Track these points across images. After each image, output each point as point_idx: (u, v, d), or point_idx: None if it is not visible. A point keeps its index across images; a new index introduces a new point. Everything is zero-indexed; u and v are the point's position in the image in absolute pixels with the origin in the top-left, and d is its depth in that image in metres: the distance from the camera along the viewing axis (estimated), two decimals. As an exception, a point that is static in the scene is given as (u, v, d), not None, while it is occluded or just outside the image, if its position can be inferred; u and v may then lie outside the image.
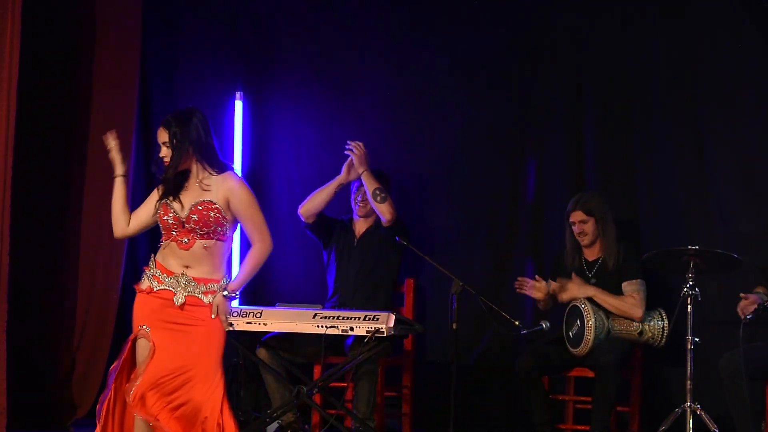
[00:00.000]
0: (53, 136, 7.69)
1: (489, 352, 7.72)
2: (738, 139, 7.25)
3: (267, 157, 8.19)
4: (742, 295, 6.51)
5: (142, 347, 5.04)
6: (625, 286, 6.90)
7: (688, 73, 7.38)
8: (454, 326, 6.51)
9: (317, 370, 7.16)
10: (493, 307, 6.69)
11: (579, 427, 7.09)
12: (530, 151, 7.78)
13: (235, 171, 5.19)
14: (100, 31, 7.72)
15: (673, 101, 7.42)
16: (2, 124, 6.87)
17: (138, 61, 7.84)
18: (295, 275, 8.05)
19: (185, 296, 5.05)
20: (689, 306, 6.42)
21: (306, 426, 7.30)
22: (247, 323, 6.76)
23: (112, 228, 5.26)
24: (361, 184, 7.35)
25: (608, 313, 6.81)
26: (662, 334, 6.79)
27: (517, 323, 6.70)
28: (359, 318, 6.62)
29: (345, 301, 7.28)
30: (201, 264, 5.08)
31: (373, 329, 6.53)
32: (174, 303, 5.04)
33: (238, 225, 5.20)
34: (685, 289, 6.42)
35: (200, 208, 5.04)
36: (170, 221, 5.07)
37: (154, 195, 5.17)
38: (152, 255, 5.15)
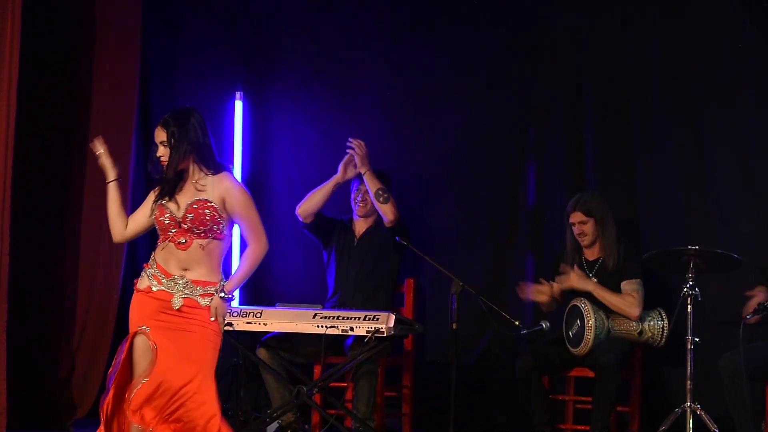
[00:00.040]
0: (53, 136, 7.69)
1: (489, 352, 7.72)
2: (738, 139, 7.25)
3: (267, 157, 8.19)
4: (747, 293, 6.52)
5: (141, 348, 5.02)
6: (624, 285, 6.90)
7: (688, 73, 7.38)
8: (454, 326, 6.51)
9: (317, 370, 7.16)
10: (493, 307, 6.70)
11: (579, 427, 7.09)
12: (530, 151, 7.78)
13: (231, 172, 5.17)
14: (100, 31, 7.72)
15: (673, 101, 7.42)
16: (2, 124, 6.87)
17: (138, 61, 7.84)
18: (295, 275, 8.05)
19: (183, 299, 5.04)
20: (689, 306, 6.43)
21: (306, 426, 7.30)
22: (247, 323, 6.76)
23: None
24: (361, 184, 7.35)
25: (608, 313, 6.81)
26: (662, 334, 6.79)
27: (517, 323, 6.71)
28: (359, 318, 6.62)
29: (345, 301, 7.28)
30: (199, 265, 5.06)
31: (373, 329, 6.53)
32: (171, 306, 5.03)
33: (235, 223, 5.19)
34: (685, 289, 6.42)
35: (195, 207, 5.03)
36: (167, 222, 5.06)
37: (151, 197, 5.15)
38: (153, 253, 5.15)
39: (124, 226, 5.20)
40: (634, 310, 6.83)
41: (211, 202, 5.04)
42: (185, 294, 5.04)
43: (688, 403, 6.39)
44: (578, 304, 6.79)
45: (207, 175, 5.08)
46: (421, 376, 7.54)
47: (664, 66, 7.45)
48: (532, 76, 7.78)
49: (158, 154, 5.09)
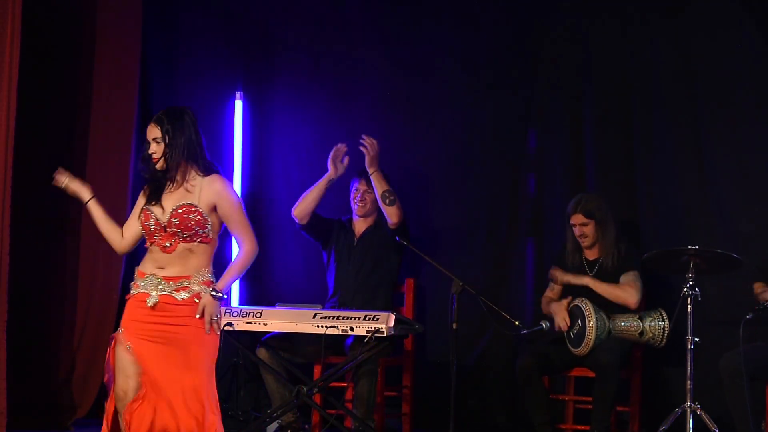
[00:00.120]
0: (53, 136, 7.69)
1: (489, 352, 7.72)
2: (738, 139, 7.25)
3: (267, 157, 8.19)
4: (757, 290, 6.55)
5: (121, 352, 5.00)
6: (622, 277, 6.92)
7: (688, 73, 7.38)
8: (454, 326, 6.51)
9: (317, 370, 7.16)
10: (493, 307, 6.69)
11: (579, 427, 7.09)
12: (530, 151, 7.77)
13: (221, 173, 5.11)
14: (100, 31, 7.72)
15: (673, 101, 7.42)
16: (2, 124, 6.87)
17: (138, 61, 7.83)
18: (295, 275, 8.05)
19: (158, 296, 5.01)
20: (689, 306, 6.43)
21: (306, 426, 7.30)
22: (247, 323, 6.76)
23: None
24: (360, 183, 7.35)
25: (609, 314, 6.81)
26: (663, 335, 6.79)
27: (517, 323, 6.70)
28: (359, 318, 6.62)
29: (345, 301, 7.28)
30: (175, 264, 5.00)
31: (373, 329, 6.53)
32: (146, 304, 4.98)
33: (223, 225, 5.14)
34: (685, 289, 6.42)
35: (180, 211, 4.98)
36: (152, 227, 5.01)
37: (140, 201, 5.13)
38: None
39: (120, 236, 5.17)
40: (632, 298, 6.84)
41: (196, 207, 4.98)
42: (160, 291, 5.00)
43: (688, 403, 6.38)
44: (579, 305, 6.79)
45: (198, 175, 5.05)
46: (421, 376, 7.54)
47: (664, 66, 7.45)
48: (533, 76, 7.78)
49: (150, 151, 5.04)
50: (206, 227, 5.00)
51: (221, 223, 5.06)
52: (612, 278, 6.95)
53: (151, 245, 5.05)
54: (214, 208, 5.02)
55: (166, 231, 4.99)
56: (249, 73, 8.21)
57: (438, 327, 7.47)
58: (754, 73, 7.22)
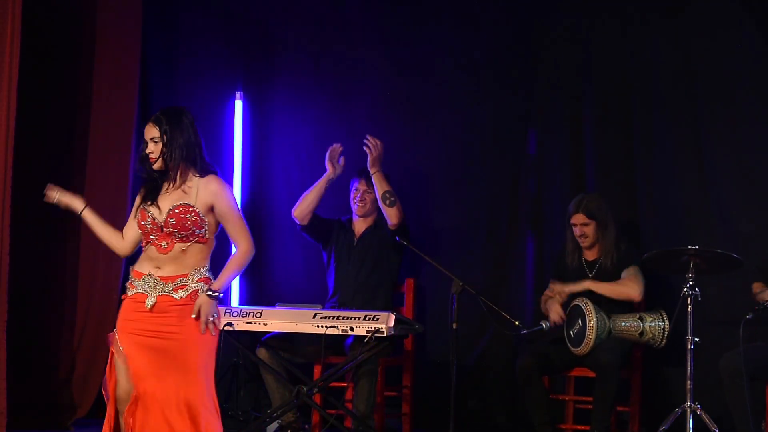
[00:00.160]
0: (53, 136, 7.69)
1: (489, 352, 7.72)
2: (738, 139, 7.26)
3: (267, 157, 8.19)
4: (756, 290, 6.54)
5: (117, 353, 5.00)
6: (623, 273, 6.92)
7: (688, 73, 7.38)
8: (454, 326, 6.51)
9: (317, 370, 7.16)
10: (493, 307, 6.69)
11: (579, 427, 7.09)
12: (530, 150, 7.77)
13: (218, 174, 5.10)
14: (100, 31, 7.72)
15: (673, 101, 7.43)
16: (2, 124, 6.87)
17: (138, 61, 7.83)
18: (295, 275, 8.05)
19: (156, 297, 5.00)
20: (689, 306, 6.43)
21: (306, 426, 7.30)
22: (247, 323, 6.76)
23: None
24: (360, 184, 7.35)
25: (609, 314, 6.81)
26: (663, 335, 6.79)
27: (517, 323, 6.70)
28: (359, 318, 6.62)
29: (345, 301, 7.28)
30: (171, 264, 5.00)
31: (373, 329, 6.53)
32: (145, 306, 4.98)
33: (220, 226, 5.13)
34: (685, 289, 6.42)
35: (177, 211, 4.97)
36: (149, 226, 5.01)
37: (138, 201, 5.12)
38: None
39: (120, 238, 5.15)
40: (634, 291, 6.84)
41: (193, 207, 4.98)
42: (158, 292, 5.00)
43: (688, 403, 6.38)
44: (580, 304, 6.79)
45: (195, 176, 5.04)
46: (421, 376, 7.54)
47: (664, 66, 7.45)
48: (533, 76, 7.78)
49: (148, 151, 5.03)
50: (203, 227, 5.00)
51: (218, 224, 5.06)
52: (611, 278, 6.94)
53: (147, 245, 5.05)
54: (211, 209, 5.02)
55: (162, 231, 4.99)
56: (249, 73, 8.21)
57: (438, 327, 7.47)
58: (754, 73, 7.22)
